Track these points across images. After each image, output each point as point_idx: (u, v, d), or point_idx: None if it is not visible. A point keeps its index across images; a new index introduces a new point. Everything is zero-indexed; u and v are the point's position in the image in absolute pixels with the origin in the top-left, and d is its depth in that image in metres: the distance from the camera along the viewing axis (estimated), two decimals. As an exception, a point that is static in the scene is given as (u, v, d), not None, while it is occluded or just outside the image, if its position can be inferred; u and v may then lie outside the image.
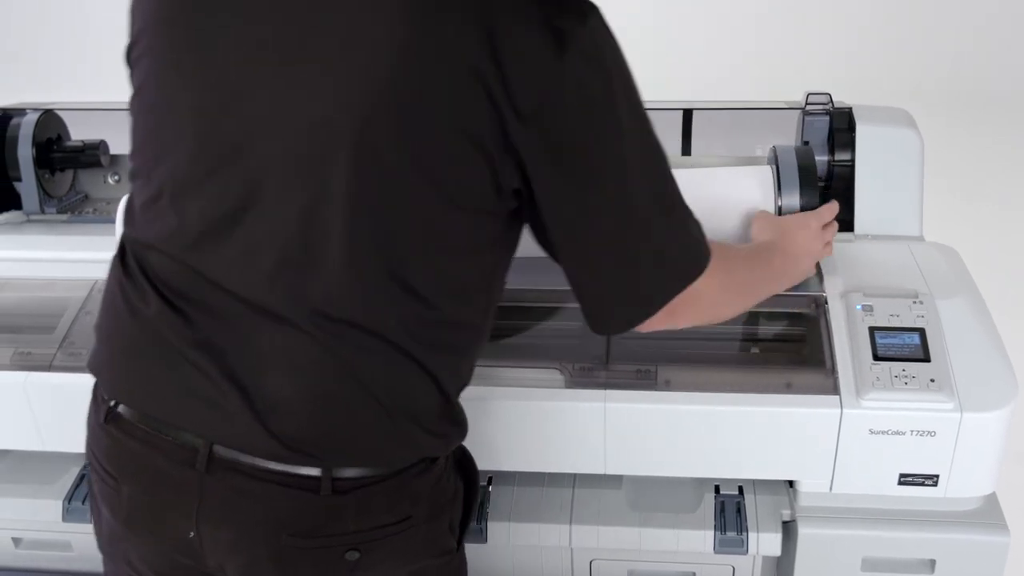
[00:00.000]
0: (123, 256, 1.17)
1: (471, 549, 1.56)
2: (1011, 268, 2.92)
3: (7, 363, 1.57)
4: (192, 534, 1.12)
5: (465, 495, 1.29)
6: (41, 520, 1.64)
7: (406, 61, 0.98)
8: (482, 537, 1.53)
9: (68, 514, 1.62)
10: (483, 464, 1.52)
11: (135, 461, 1.15)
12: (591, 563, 1.60)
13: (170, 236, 1.10)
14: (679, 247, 1.13)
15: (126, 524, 1.18)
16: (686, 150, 1.87)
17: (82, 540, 1.70)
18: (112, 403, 1.16)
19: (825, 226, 1.50)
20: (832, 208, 1.52)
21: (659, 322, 1.15)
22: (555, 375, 1.47)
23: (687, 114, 1.85)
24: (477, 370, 1.45)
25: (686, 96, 1.91)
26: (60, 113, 2.01)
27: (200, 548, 1.13)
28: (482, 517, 1.53)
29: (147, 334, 1.12)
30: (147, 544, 1.18)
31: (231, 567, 1.14)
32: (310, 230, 1.04)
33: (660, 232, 1.10)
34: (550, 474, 1.55)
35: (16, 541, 1.74)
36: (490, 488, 1.57)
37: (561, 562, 1.60)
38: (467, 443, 1.47)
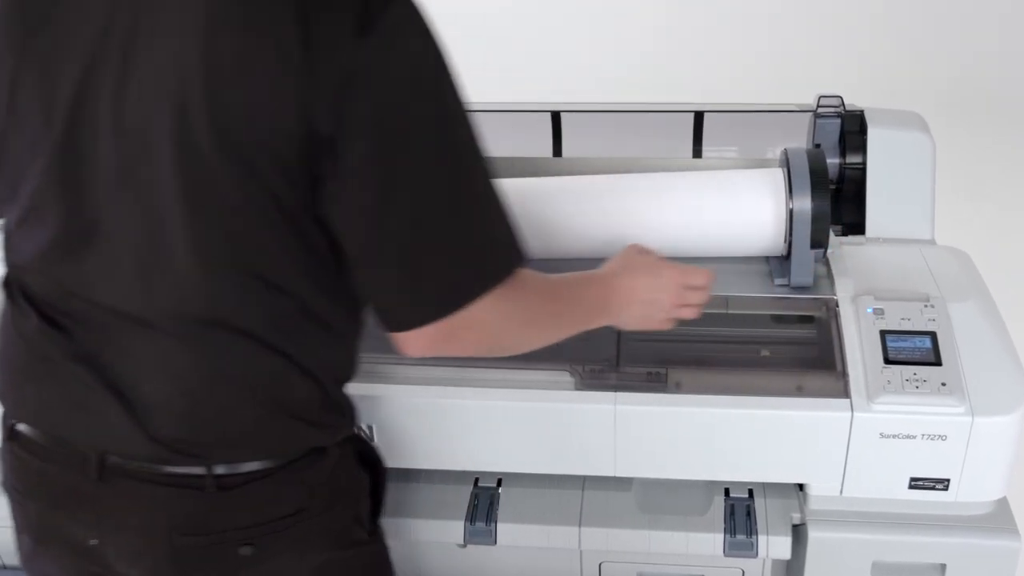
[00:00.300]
0: (7, 282, 1.19)
1: (480, 550, 1.56)
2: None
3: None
4: (95, 543, 1.14)
5: (372, 486, 1.29)
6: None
7: (219, 50, 0.98)
8: (491, 539, 1.53)
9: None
10: (493, 466, 1.53)
11: (37, 477, 1.17)
12: (600, 565, 1.60)
13: (40, 254, 1.11)
14: (481, 246, 1.08)
15: (36, 540, 1.21)
16: (697, 153, 1.86)
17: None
18: (12, 423, 1.19)
19: (693, 288, 1.37)
20: (704, 275, 1.37)
21: (438, 342, 1.09)
22: (565, 377, 1.46)
23: (698, 117, 1.85)
24: (488, 373, 1.45)
25: (697, 99, 1.91)
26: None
27: (105, 557, 1.15)
28: (491, 519, 1.53)
29: (34, 353, 1.14)
30: (58, 558, 1.20)
31: (136, 571, 1.15)
32: (158, 234, 1.04)
33: (461, 227, 1.06)
34: (559, 476, 1.55)
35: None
36: (500, 490, 1.57)
37: (570, 564, 1.60)
38: (480, 445, 1.48)
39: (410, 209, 1.03)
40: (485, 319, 1.09)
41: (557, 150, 1.89)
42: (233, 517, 1.13)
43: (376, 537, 1.31)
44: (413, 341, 1.09)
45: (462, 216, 1.06)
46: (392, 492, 1.57)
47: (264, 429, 1.13)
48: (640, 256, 1.38)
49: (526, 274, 1.12)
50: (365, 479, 1.28)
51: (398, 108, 1.00)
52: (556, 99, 1.93)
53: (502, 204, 1.08)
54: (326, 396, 1.17)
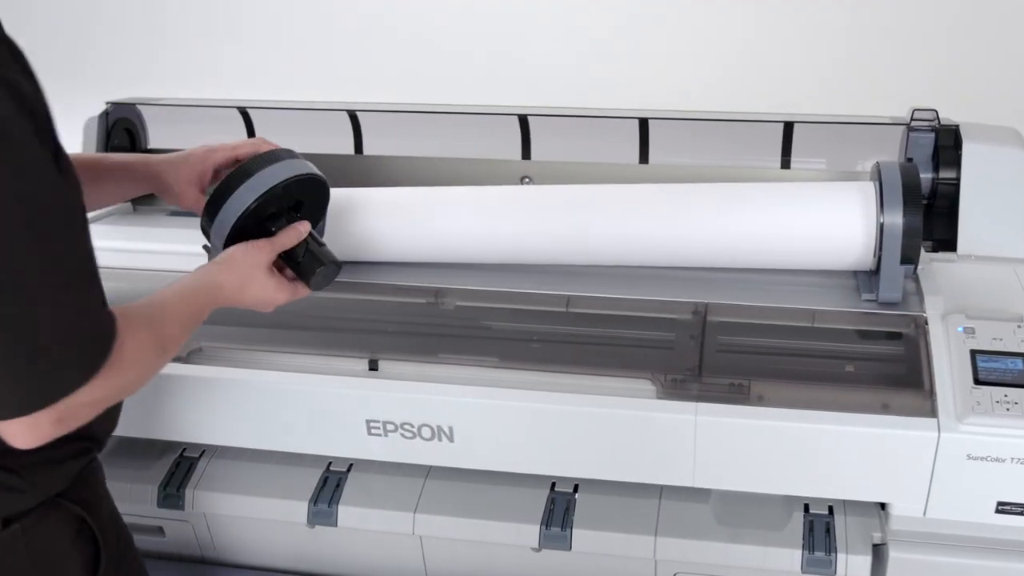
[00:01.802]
0: None
1: (554, 554, 1.57)
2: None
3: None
4: None
5: (93, 561, 1.22)
6: (137, 504, 1.69)
7: None
8: (566, 544, 1.53)
9: (163, 500, 1.67)
10: (570, 471, 1.53)
11: None
12: (675, 576, 1.60)
13: None
14: (64, 339, 0.97)
15: None
16: (785, 164, 1.85)
17: (175, 526, 1.75)
18: None
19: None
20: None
21: (51, 430, 1.00)
22: (647, 385, 1.46)
23: (787, 127, 1.83)
24: (569, 378, 1.45)
25: (786, 109, 1.89)
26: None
27: None
28: (567, 524, 1.53)
29: None
30: None
31: None
32: None
33: (35, 325, 0.95)
34: (636, 484, 1.55)
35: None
36: (576, 495, 1.57)
37: (644, 573, 1.60)
38: (559, 450, 1.48)
39: None
40: (98, 396, 1.03)
41: (644, 157, 1.88)
42: None
43: None
44: (19, 434, 1.00)
45: (35, 313, 0.95)
46: (468, 494, 1.59)
47: None
48: (233, 260, 1.31)
49: (126, 320, 1.05)
50: (77, 557, 1.20)
51: None
52: (642, 106, 1.92)
53: (82, 286, 1.00)
54: None
